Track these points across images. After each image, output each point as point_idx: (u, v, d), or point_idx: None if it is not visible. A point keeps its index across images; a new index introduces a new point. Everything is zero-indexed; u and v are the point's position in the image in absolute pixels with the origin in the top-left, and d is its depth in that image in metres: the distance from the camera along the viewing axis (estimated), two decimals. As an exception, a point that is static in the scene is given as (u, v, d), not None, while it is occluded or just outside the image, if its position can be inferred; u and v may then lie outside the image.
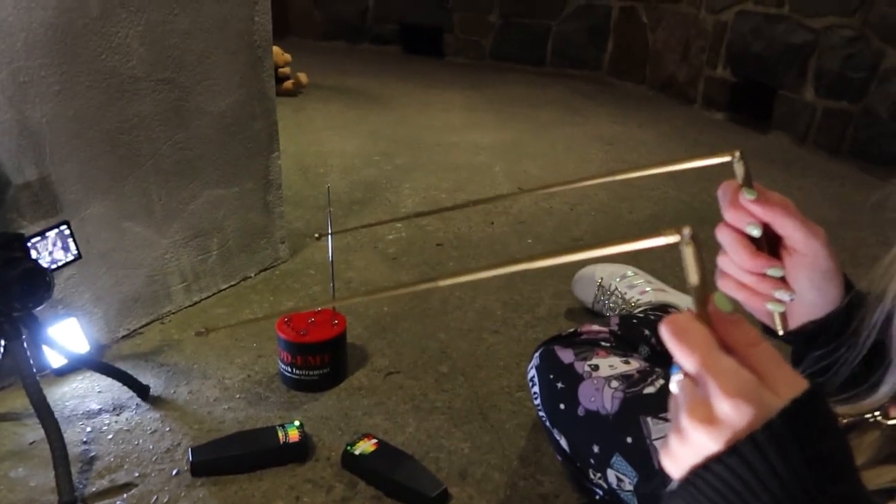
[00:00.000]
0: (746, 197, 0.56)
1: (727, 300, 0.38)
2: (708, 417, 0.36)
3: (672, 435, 0.38)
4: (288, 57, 3.16)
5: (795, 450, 0.34)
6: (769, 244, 0.59)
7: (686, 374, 0.38)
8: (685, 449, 0.37)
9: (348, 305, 1.43)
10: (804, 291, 0.60)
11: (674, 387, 0.39)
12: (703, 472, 0.36)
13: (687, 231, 0.36)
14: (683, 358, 0.37)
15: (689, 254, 0.37)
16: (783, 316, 0.61)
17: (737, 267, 0.59)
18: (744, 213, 0.57)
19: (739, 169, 0.57)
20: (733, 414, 0.35)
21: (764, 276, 0.59)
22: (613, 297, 1.37)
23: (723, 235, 0.59)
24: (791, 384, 0.36)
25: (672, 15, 3.45)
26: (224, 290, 1.49)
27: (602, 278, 1.40)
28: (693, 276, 0.37)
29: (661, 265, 1.62)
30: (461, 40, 4.29)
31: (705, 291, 0.37)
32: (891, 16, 2.33)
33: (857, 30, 2.45)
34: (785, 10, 2.74)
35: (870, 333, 0.59)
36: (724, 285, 0.61)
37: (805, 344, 0.65)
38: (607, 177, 0.58)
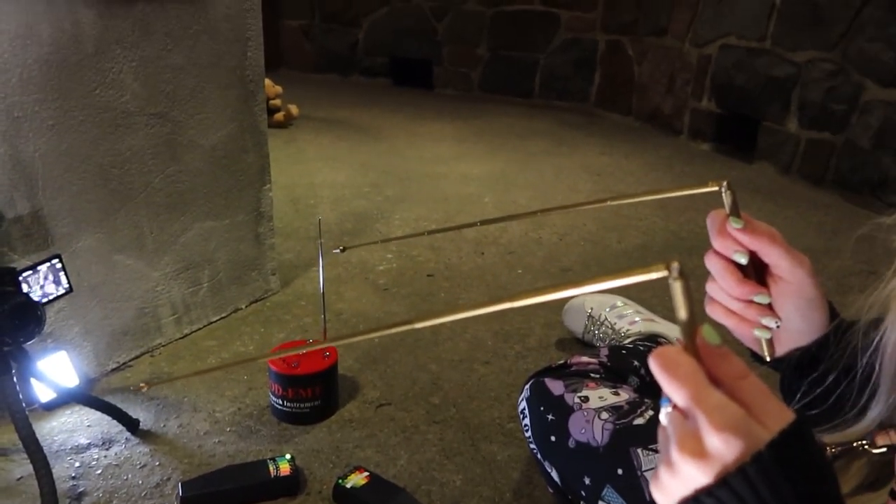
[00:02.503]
0: (733, 226, 0.58)
1: (715, 333, 0.38)
2: (698, 451, 0.36)
3: (662, 467, 0.39)
4: (279, 89, 3.19)
5: (783, 481, 0.35)
6: (756, 272, 0.61)
7: (675, 407, 0.39)
8: (675, 481, 0.38)
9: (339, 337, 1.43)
10: (790, 318, 0.62)
11: (663, 419, 0.40)
12: (691, 503, 0.37)
13: (675, 266, 0.37)
14: (673, 391, 0.38)
15: (677, 288, 0.37)
16: (770, 342, 0.62)
17: (724, 293, 0.61)
18: (731, 242, 0.59)
19: (727, 199, 0.59)
20: (723, 448, 0.36)
21: (751, 302, 0.60)
22: (603, 328, 1.38)
23: (711, 263, 0.61)
24: (778, 416, 0.37)
25: (657, 48, 3.51)
26: (215, 322, 1.49)
27: (592, 308, 1.41)
28: (682, 310, 0.38)
29: (651, 295, 1.63)
30: (450, 72, 4.35)
31: (694, 324, 0.38)
32: (869, 50, 2.38)
33: (837, 63, 2.51)
34: (767, 44, 2.80)
35: (862, 361, 0.60)
36: (712, 311, 0.62)
37: (793, 371, 0.66)
38: (602, 201, 0.61)
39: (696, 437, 0.37)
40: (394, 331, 0.43)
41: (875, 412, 0.58)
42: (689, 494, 0.37)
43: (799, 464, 0.36)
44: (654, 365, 0.38)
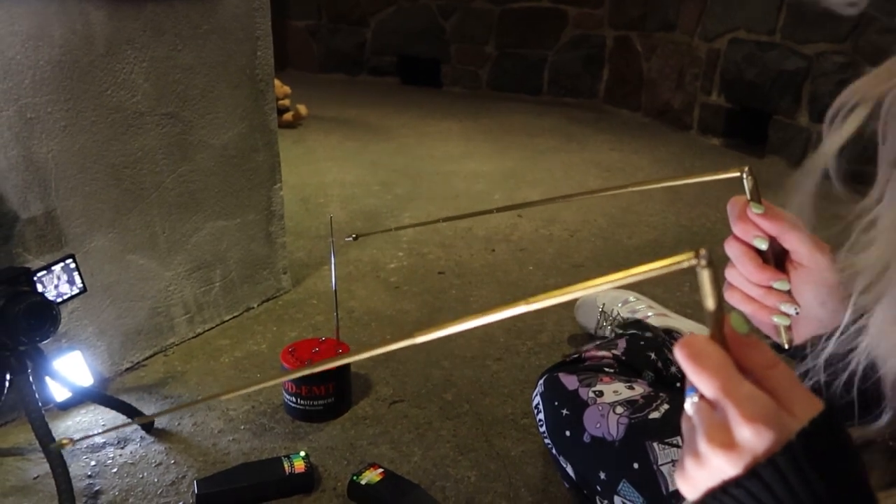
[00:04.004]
0: (754, 211, 0.58)
1: (744, 322, 0.38)
2: (727, 442, 0.36)
3: (687, 457, 0.38)
4: (287, 89, 3.19)
5: (814, 470, 0.34)
6: (776, 260, 0.61)
7: (702, 397, 0.38)
8: (702, 472, 0.37)
9: (352, 335, 1.43)
10: (809, 305, 0.61)
11: (689, 409, 0.39)
12: (720, 494, 0.36)
13: (704, 253, 0.36)
14: (701, 382, 0.37)
15: (705, 276, 0.36)
16: (789, 329, 0.62)
17: (744, 279, 0.61)
18: (751, 227, 0.59)
19: (748, 184, 0.59)
20: (754, 439, 0.35)
21: (770, 289, 0.60)
22: (616, 323, 1.37)
23: (731, 248, 0.60)
24: (808, 405, 0.36)
25: (666, 44, 3.50)
26: (227, 321, 1.49)
27: (604, 304, 1.41)
28: (709, 299, 0.37)
29: (662, 290, 1.63)
30: (458, 71, 4.34)
31: (722, 313, 0.37)
32: (880, 42, 2.36)
33: (848, 56, 2.49)
34: (777, 37, 2.78)
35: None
36: (731, 297, 0.62)
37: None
38: (624, 187, 0.60)
39: (726, 428, 0.36)
40: (393, 347, 0.42)
41: (888, 415, 0.57)
42: (716, 485, 0.37)
43: (829, 453, 0.35)
44: (680, 354, 0.37)
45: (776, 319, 0.61)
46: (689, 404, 0.39)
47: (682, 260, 0.36)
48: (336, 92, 4.19)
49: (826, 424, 0.36)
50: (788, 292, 0.60)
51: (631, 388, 0.92)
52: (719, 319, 0.37)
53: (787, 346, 0.62)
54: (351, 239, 0.84)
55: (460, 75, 4.34)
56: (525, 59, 4.14)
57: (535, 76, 4.15)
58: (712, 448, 0.36)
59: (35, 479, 1.03)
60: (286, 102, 3.20)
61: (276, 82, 2.76)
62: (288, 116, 3.20)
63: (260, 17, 1.41)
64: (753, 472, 0.35)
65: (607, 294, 1.42)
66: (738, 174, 0.58)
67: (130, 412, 1.13)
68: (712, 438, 0.36)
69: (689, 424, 0.39)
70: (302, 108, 3.25)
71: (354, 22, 4.50)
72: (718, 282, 0.37)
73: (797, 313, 0.60)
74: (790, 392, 0.37)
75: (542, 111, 3.83)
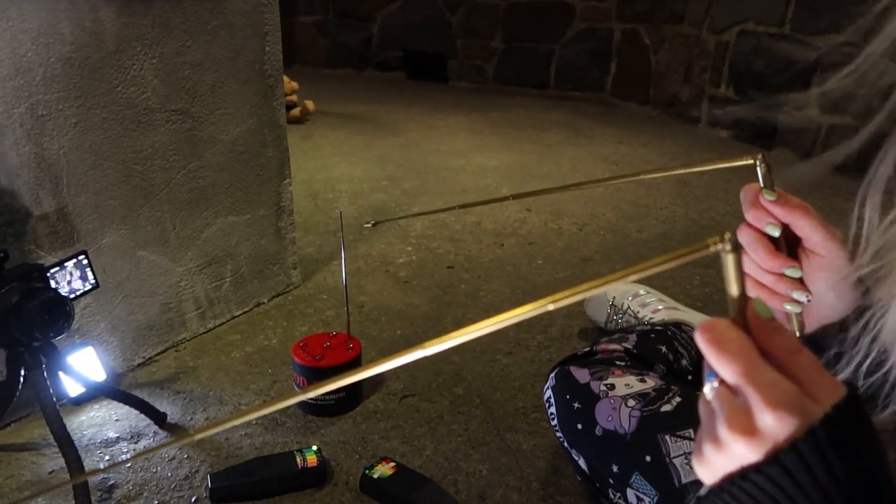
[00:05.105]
0: (766, 198, 0.58)
1: (767, 306, 0.37)
2: (749, 429, 0.35)
3: (707, 442, 0.38)
4: (295, 85, 3.20)
5: (836, 456, 0.34)
6: (788, 248, 0.61)
7: (722, 382, 0.38)
8: (721, 458, 0.37)
9: (362, 330, 1.44)
10: (821, 293, 0.61)
11: (708, 393, 0.38)
12: (739, 480, 0.36)
13: (728, 236, 0.35)
14: (722, 367, 0.36)
15: (730, 261, 0.36)
16: (800, 317, 0.62)
17: (756, 266, 0.61)
18: (764, 214, 0.59)
19: (761, 171, 0.59)
20: (776, 426, 0.35)
21: (782, 276, 0.60)
22: (626, 316, 1.37)
23: (743, 235, 0.61)
24: (831, 391, 0.36)
25: (674, 36, 3.48)
26: (238, 316, 1.50)
27: (614, 297, 1.40)
28: (733, 284, 0.36)
29: (672, 283, 1.62)
30: (465, 65, 4.34)
31: (745, 297, 0.37)
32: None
33: (858, 47, 2.47)
34: (786, 29, 2.76)
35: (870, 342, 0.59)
36: None
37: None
38: (636, 175, 0.61)
39: (747, 413, 0.36)
40: (406, 359, 0.41)
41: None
42: (736, 471, 0.36)
43: (852, 439, 0.35)
44: (701, 339, 0.37)
45: (788, 307, 0.61)
46: (709, 389, 0.38)
47: (708, 245, 0.35)
48: (343, 87, 4.19)
49: (850, 409, 0.35)
50: (800, 280, 0.60)
51: (643, 381, 0.92)
52: (742, 304, 0.37)
53: (798, 334, 0.62)
54: (369, 225, 0.84)
55: (467, 70, 4.34)
56: (532, 53, 4.13)
57: (541, 70, 4.14)
58: (733, 434, 0.36)
59: (50, 473, 1.04)
60: (294, 98, 3.20)
61: (284, 78, 2.77)
62: (295, 112, 3.20)
63: (268, 12, 1.41)
64: (775, 458, 0.35)
65: (617, 288, 1.42)
66: (751, 161, 0.58)
67: (143, 407, 1.14)
68: (733, 424, 0.36)
69: (708, 409, 0.39)
70: (309, 104, 3.26)
71: (361, 17, 4.50)
72: (741, 266, 0.36)
73: (809, 301, 0.60)
74: (814, 378, 0.36)
75: (549, 105, 3.82)
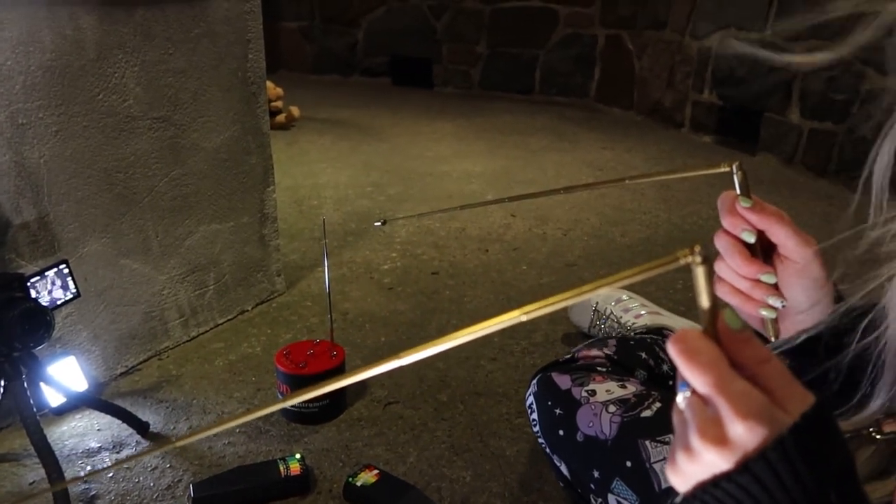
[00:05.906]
0: (742, 205, 0.60)
1: (737, 317, 0.38)
2: (720, 438, 0.36)
3: (679, 451, 0.38)
4: (280, 91, 3.19)
5: (804, 465, 0.35)
6: (764, 254, 0.62)
7: (694, 392, 0.38)
8: (694, 467, 0.38)
9: (346, 337, 1.44)
10: (796, 299, 0.62)
11: (681, 403, 0.39)
12: (711, 487, 0.37)
13: (698, 249, 0.36)
14: (694, 377, 0.37)
15: (700, 273, 0.36)
16: (775, 322, 0.63)
17: (732, 272, 0.63)
18: (740, 220, 0.61)
19: (737, 179, 0.60)
20: (746, 435, 0.35)
21: (757, 282, 0.62)
22: (609, 322, 1.38)
23: (720, 241, 0.62)
24: (800, 400, 0.37)
25: (657, 42, 3.51)
26: (221, 324, 1.49)
27: (597, 303, 1.41)
28: (703, 295, 0.37)
29: (655, 288, 1.64)
30: (450, 71, 4.35)
31: (716, 308, 0.37)
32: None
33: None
34: (768, 35, 2.79)
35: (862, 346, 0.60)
36: (719, 290, 0.64)
37: (802, 356, 0.66)
38: (621, 181, 0.61)
39: (718, 423, 0.36)
40: (380, 369, 0.42)
41: (877, 403, 0.58)
42: (708, 479, 0.37)
43: (819, 447, 0.35)
44: (673, 350, 0.37)
45: (763, 312, 0.62)
46: (682, 399, 0.39)
47: (678, 257, 0.36)
48: (328, 93, 4.19)
49: (817, 419, 0.36)
50: (775, 285, 0.62)
51: (623, 386, 0.93)
52: (713, 315, 0.37)
53: (773, 339, 0.64)
54: (380, 224, 0.85)
55: (452, 75, 4.35)
56: (516, 59, 4.15)
57: (526, 75, 4.16)
58: (704, 443, 0.36)
59: (31, 484, 1.03)
60: (279, 104, 3.20)
61: (269, 84, 2.76)
62: (281, 118, 3.20)
63: (251, 20, 1.41)
64: (745, 467, 0.35)
65: (600, 293, 1.43)
66: (728, 169, 0.59)
67: (125, 417, 1.13)
68: (705, 434, 0.37)
69: (681, 419, 0.39)
70: (294, 110, 3.25)
71: (346, 23, 4.50)
72: (712, 278, 0.37)
73: (784, 306, 0.62)
74: (784, 387, 0.37)
75: (533, 110, 3.84)
